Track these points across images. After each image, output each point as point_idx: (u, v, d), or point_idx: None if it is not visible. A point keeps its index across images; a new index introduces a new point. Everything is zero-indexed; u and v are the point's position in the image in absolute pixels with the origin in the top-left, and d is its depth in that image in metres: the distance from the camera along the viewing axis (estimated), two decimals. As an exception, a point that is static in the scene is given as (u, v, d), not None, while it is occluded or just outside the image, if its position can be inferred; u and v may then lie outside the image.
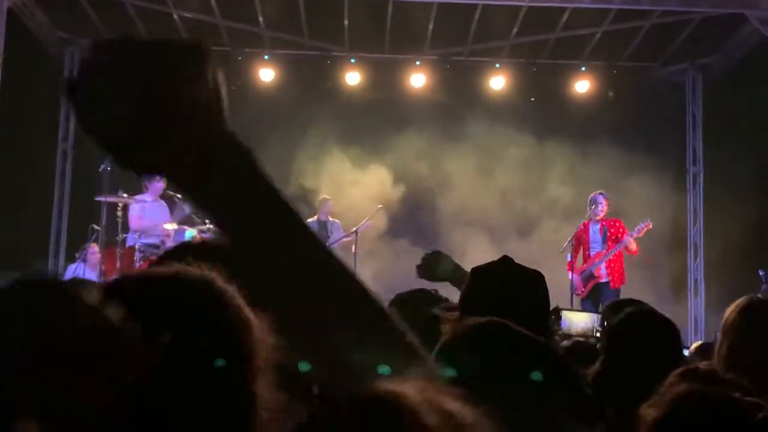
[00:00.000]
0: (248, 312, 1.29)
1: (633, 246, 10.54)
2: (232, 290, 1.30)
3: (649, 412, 1.81)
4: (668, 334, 3.06)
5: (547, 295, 2.73)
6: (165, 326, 1.19)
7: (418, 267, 3.63)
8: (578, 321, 3.90)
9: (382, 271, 12.34)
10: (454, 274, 3.48)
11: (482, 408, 1.00)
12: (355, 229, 12.54)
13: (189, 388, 1.20)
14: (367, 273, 12.81)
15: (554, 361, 1.67)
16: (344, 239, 12.44)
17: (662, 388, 1.88)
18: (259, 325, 1.29)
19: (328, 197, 12.82)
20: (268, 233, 1.16)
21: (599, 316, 3.86)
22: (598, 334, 3.83)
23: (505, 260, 2.77)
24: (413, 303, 3.24)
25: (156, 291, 1.26)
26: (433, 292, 3.47)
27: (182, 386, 1.19)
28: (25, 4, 12.30)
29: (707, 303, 13.68)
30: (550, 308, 2.87)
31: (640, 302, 3.97)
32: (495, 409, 1.54)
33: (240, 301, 1.30)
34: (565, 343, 3.62)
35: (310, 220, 12.46)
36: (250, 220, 1.15)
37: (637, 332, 3.00)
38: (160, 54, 1.11)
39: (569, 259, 10.81)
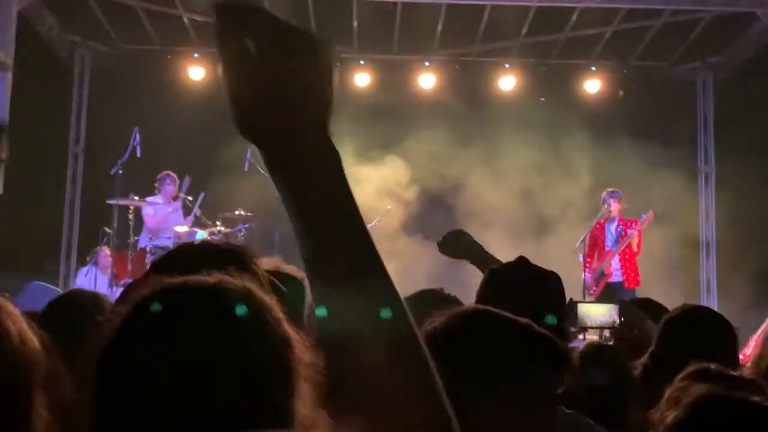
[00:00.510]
0: (288, 327, 1.27)
1: (635, 241, 10.49)
2: (272, 302, 1.28)
3: (667, 413, 1.80)
4: (725, 332, 3.03)
5: (563, 296, 2.73)
6: (204, 339, 1.18)
7: (440, 243, 3.62)
8: (595, 314, 3.87)
9: (396, 271, 12.33)
10: (475, 252, 3.47)
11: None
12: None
13: (227, 402, 1.18)
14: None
15: (541, 343, 1.67)
16: None
17: (675, 388, 1.87)
18: (299, 341, 1.27)
19: None
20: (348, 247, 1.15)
21: (616, 308, 3.83)
22: (616, 326, 3.81)
23: (522, 261, 2.76)
24: (421, 303, 3.23)
25: (197, 302, 1.23)
26: (440, 290, 3.47)
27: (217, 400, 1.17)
28: (35, 8, 12.34)
29: (720, 302, 13.61)
30: (566, 307, 2.86)
31: (658, 303, 3.96)
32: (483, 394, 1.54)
33: (280, 314, 1.28)
34: (580, 346, 3.60)
35: None
36: (337, 228, 1.16)
37: (694, 328, 2.97)
38: (303, 44, 1.18)
39: (581, 259, 10.77)
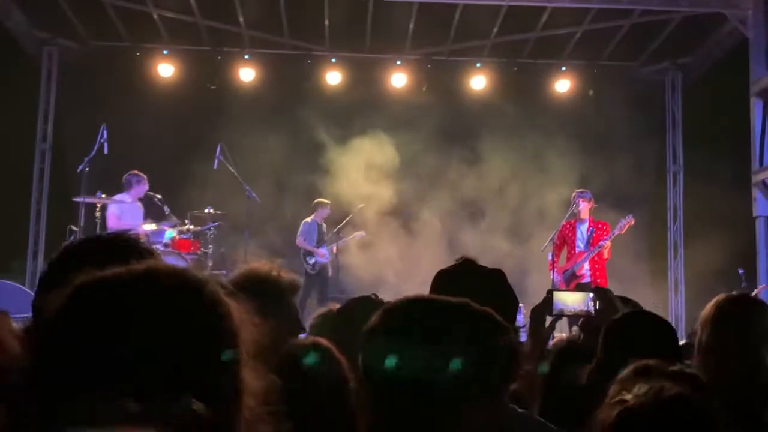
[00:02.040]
0: (223, 298, 1.32)
1: (605, 253, 10.54)
2: (207, 277, 1.33)
3: (607, 414, 1.81)
4: (665, 334, 3.06)
5: (510, 292, 2.76)
6: (137, 320, 1.22)
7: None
8: (572, 302, 3.90)
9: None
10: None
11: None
12: (336, 229, 12.56)
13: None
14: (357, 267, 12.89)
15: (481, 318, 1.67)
16: (342, 244, 12.65)
17: (617, 387, 1.88)
18: (239, 309, 1.33)
19: (326, 201, 12.79)
20: None
21: (591, 297, 3.87)
22: (591, 314, 3.85)
23: (466, 261, 2.81)
24: (357, 310, 3.28)
25: (126, 284, 1.27)
26: (373, 296, 3.53)
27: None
28: (3, 4, 12.23)
29: (687, 301, 13.74)
30: (518, 304, 2.88)
31: (630, 300, 4.01)
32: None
33: (216, 287, 1.32)
34: (557, 342, 3.63)
35: (308, 220, 12.49)
36: None
37: (634, 332, 3.00)
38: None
39: (550, 258, 10.81)
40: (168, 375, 1.19)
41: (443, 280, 2.73)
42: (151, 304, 1.24)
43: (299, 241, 12.58)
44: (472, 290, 2.59)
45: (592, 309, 3.86)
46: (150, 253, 1.98)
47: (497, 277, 2.77)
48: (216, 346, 1.26)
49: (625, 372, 1.92)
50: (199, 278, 1.31)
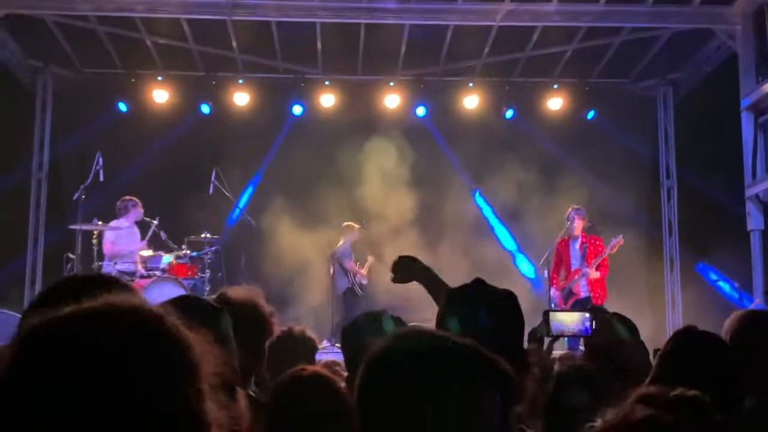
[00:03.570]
0: (185, 330, 1.30)
1: (594, 274, 10.57)
2: (162, 311, 1.31)
3: None
4: (720, 354, 3.03)
5: (520, 315, 2.76)
6: (94, 358, 1.19)
7: (392, 271, 3.68)
8: (570, 322, 3.90)
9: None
10: (425, 276, 3.52)
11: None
12: (332, 251, 12.59)
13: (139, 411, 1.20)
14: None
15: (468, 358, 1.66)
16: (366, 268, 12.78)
17: (620, 413, 1.90)
18: (198, 341, 1.31)
19: (354, 225, 12.86)
20: None
21: (589, 316, 3.87)
22: (588, 333, 3.85)
23: (478, 281, 2.80)
24: (366, 326, 3.32)
25: (82, 322, 1.25)
26: (381, 314, 3.56)
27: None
28: (-4, 34, 12.27)
29: (685, 315, 13.75)
30: (524, 324, 2.88)
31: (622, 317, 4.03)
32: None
33: (174, 321, 1.30)
34: (557, 367, 3.64)
35: (345, 244, 12.54)
36: None
37: (690, 353, 2.99)
38: None
39: (546, 275, 10.86)
40: (128, 417, 1.18)
41: (454, 300, 2.73)
42: (105, 342, 1.21)
43: (348, 264, 12.70)
44: (482, 311, 2.62)
45: (589, 329, 3.87)
46: (128, 288, 1.97)
47: (508, 298, 2.77)
48: (177, 381, 1.24)
49: (628, 400, 1.93)
50: (157, 313, 1.29)
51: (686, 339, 3.10)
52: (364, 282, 12.75)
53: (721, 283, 13.33)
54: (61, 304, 1.30)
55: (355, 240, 12.89)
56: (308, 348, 4.02)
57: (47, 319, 1.26)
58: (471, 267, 12.07)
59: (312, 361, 3.91)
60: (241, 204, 12.84)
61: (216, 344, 1.36)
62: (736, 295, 12.91)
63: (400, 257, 3.64)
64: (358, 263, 12.87)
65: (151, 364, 1.23)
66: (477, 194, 14.37)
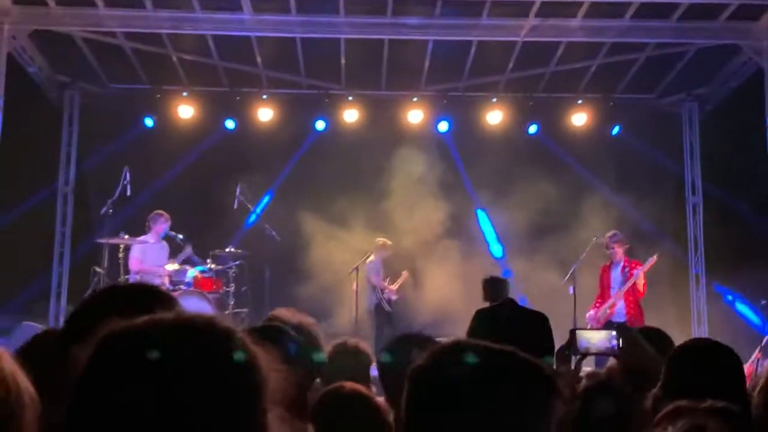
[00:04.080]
0: (251, 346, 1.32)
1: (641, 282, 10.52)
2: (234, 327, 1.34)
3: None
4: (733, 365, 3.03)
5: (550, 336, 2.75)
6: (168, 370, 1.22)
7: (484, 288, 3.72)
8: (596, 340, 3.88)
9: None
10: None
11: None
12: (356, 266, 12.57)
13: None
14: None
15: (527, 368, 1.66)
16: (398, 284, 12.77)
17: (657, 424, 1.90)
18: (264, 356, 1.33)
19: (387, 242, 12.88)
20: None
21: (615, 334, 3.86)
22: (616, 352, 3.83)
23: (509, 302, 2.80)
24: (406, 346, 3.33)
25: (158, 334, 1.28)
26: (419, 333, 3.57)
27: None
28: (25, 49, 12.42)
29: (711, 331, 13.62)
30: (553, 345, 2.88)
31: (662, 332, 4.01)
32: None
33: (243, 336, 1.33)
34: (584, 382, 3.63)
35: (374, 260, 12.57)
36: None
37: (703, 360, 2.98)
38: None
39: (571, 291, 10.83)
40: (198, 426, 1.21)
41: (483, 319, 2.74)
42: (180, 355, 1.24)
43: (375, 279, 12.74)
44: (513, 331, 2.62)
45: (616, 346, 3.85)
46: (171, 300, 2.00)
47: (538, 319, 2.77)
48: (246, 396, 1.27)
49: (664, 411, 1.93)
50: (227, 327, 1.32)
51: (695, 347, 3.11)
52: (393, 298, 12.71)
53: (739, 306, 13.29)
54: (107, 313, 1.34)
55: (387, 256, 12.87)
56: (363, 361, 3.99)
57: (123, 328, 1.28)
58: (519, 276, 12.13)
59: (367, 374, 3.88)
60: (258, 212, 12.83)
61: (282, 362, 1.38)
62: (756, 320, 12.87)
63: (489, 278, 3.67)
64: (388, 279, 12.85)
65: (220, 378, 1.25)
66: (480, 212, 14.38)
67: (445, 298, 12.58)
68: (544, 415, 1.61)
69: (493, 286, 3.76)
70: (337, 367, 3.66)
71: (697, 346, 3.14)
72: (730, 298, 13.25)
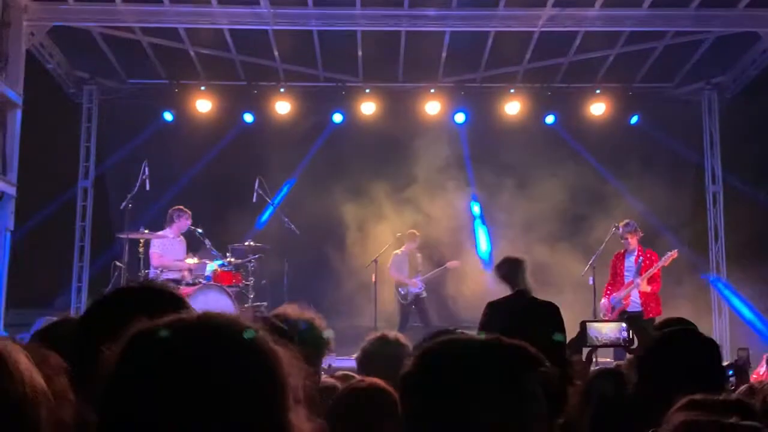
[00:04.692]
0: (273, 345, 1.35)
1: (644, 287, 10.47)
2: (256, 325, 1.36)
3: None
4: (709, 353, 3.02)
5: (562, 326, 2.75)
6: (194, 369, 1.25)
7: (497, 267, 3.72)
8: (607, 331, 3.88)
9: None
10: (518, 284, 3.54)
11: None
12: (375, 258, 12.57)
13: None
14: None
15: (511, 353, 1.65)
16: (434, 275, 12.69)
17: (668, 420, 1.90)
18: (287, 355, 1.36)
19: (416, 232, 12.86)
20: None
21: (626, 326, 3.85)
22: (627, 343, 3.83)
23: (520, 293, 2.80)
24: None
25: (183, 334, 1.31)
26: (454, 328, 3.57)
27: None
28: (44, 45, 12.50)
29: (731, 321, 13.56)
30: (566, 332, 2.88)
31: (686, 321, 3.98)
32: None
33: (266, 335, 1.36)
34: (594, 369, 3.64)
35: (399, 252, 12.55)
36: None
37: (676, 351, 2.98)
38: None
39: (591, 282, 10.79)
40: (225, 422, 1.24)
41: (495, 310, 2.74)
42: (207, 354, 1.27)
43: (391, 272, 12.70)
44: (525, 323, 2.62)
45: (626, 338, 3.85)
46: (181, 301, 2.02)
47: (550, 309, 2.78)
48: (270, 394, 1.30)
49: (675, 407, 1.93)
50: (250, 326, 1.35)
51: (673, 337, 3.10)
52: (414, 290, 12.59)
53: (732, 299, 13.29)
54: (123, 315, 1.38)
55: (414, 248, 12.81)
56: (402, 353, 3.98)
57: (150, 326, 1.32)
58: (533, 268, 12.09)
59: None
60: (276, 203, 12.85)
61: (302, 360, 1.41)
62: (748, 314, 12.88)
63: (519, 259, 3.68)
64: (419, 270, 12.73)
65: (244, 377, 1.28)
66: (475, 201, 14.35)
67: (481, 287, 12.50)
68: (538, 409, 1.60)
69: (512, 268, 3.75)
70: (376, 358, 3.65)
71: (669, 337, 3.13)
72: (724, 291, 13.27)
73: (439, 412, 1.57)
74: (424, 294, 12.60)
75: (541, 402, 1.60)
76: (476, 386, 1.58)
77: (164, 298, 2.01)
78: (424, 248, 13.01)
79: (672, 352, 2.95)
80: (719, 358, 3.08)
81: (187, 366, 1.25)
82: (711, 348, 3.04)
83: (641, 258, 10.60)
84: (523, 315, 2.67)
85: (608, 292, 10.70)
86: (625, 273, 10.65)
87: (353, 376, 3.74)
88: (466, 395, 1.57)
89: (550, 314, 2.78)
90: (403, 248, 12.73)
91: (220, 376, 1.26)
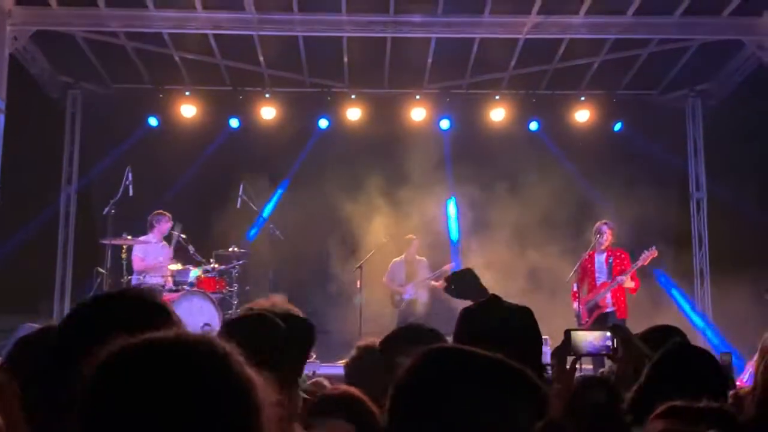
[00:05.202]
0: (248, 370, 1.34)
1: (629, 283, 10.48)
2: (231, 349, 1.35)
3: None
4: (714, 369, 3.01)
5: (536, 329, 2.76)
6: (171, 393, 1.24)
7: (446, 283, 3.70)
8: (591, 339, 3.86)
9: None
10: (477, 294, 3.51)
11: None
12: (359, 264, 12.55)
13: None
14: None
15: (516, 378, 1.65)
16: (429, 279, 12.57)
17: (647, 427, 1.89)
18: (260, 381, 1.35)
19: (414, 237, 12.83)
20: None
21: (610, 335, 3.84)
22: (611, 352, 3.82)
23: (493, 298, 2.81)
24: (404, 340, 3.30)
25: (159, 356, 1.30)
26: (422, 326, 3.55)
27: None
28: (27, 49, 12.43)
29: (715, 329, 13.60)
30: (541, 341, 2.87)
31: (675, 329, 3.98)
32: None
33: (240, 358, 1.34)
34: (578, 377, 3.63)
35: (397, 260, 12.53)
36: None
37: (681, 363, 2.97)
38: None
39: (575, 288, 10.78)
40: None
41: (469, 318, 2.73)
42: (182, 377, 1.27)
43: (385, 280, 12.71)
44: (497, 328, 2.61)
45: (610, 347, 3.84)
46: (168, 313, 2.00)
47: (523, 314, 2.77)
48: (244, 419, 1.29)
49: (654, 413, 1.92)
50: (226, 350, 1.34)
51: (676, 349, 3.10)
52: (406, 296, 12.57)
53: (674, 291, 13.44)
54: (103, 324, 1.40)
55: (413, 252, 12.77)
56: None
57: (122, 348, 1.31)
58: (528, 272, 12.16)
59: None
60: (265, 215, 12.84)
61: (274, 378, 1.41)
62: (687, 307, 13.03)
63: (457, 271, 3.65)
64: (417, 275, 12.69)
65: (219, 401, 1.27)
66: (452, 200, 14.33)
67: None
68: (526, 422, 1.60)
69: (461, 280, 3.74)
70: (365, 368, 3.62)
71: (675, 349, 3.13)
72: (663, 281, 13.44)
73: (429, 422, 1.57)
74: (423, 300, 12.54)
75: (524, 421, 1.61)
76: (460, 400, 1.58)
77: (147, 307, 1.98)
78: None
79: (678, 367, 2.94)
80: (725, 376, 3.07)
81: (161, 389, 1.24)
82: (715, 364, 3.04)
83: (611, 258, 10.62)
84: (500, 323, 2.65)
85: (578, 295, 10.70)
86: (597, 274, 10.67)
87: (325, 386, 3.72)
88: (448, 410, 1.56)
89: (525, 319, 2.76)
90: (403, 255, 12.74)
91: (195, 401, 1.25)
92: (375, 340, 4.08)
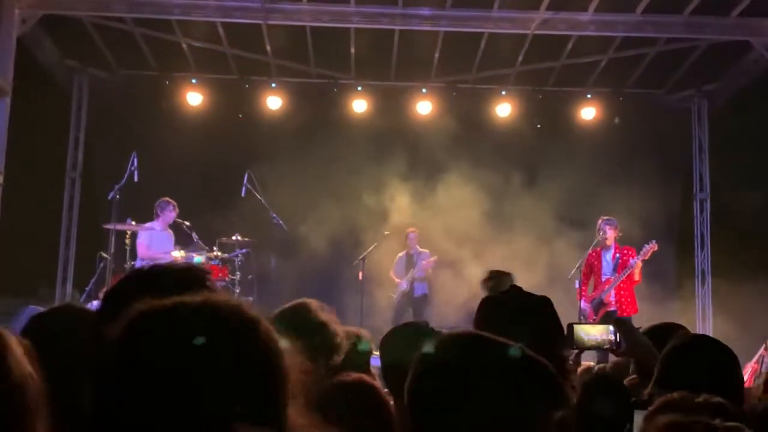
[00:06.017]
0: (276, 336, 1.33)
1: (636, 272, 10.48)
2: (259, 316, 1.34)
3: None
4: (728, 361, 3.01)
5: (556, 319, 2.76)
6: (195, 353, 1.23)
7: (482, 282, 3.74)
8: (594, 333, 3.88)
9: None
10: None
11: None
12: (362, 256, 12.56)
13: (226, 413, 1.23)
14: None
15: (538, 372, 1.66)
16: (426, 265, 12.66)
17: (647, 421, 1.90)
18: (288, 349, 1.35)
19: (413, 229, 12.87)
20: None
21: (613, 329, 3.86)
22: (613, 346, 3.83)
23: (514, 289, 2.81)
24: (403, 337, 3.32)
25: (186, 316, 1.29)
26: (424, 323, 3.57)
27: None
28: (34, 34, 12.41)
29: (715, 329, 13.61)
30: (562, 330, 2.87)
31: (679, 325, 3.99)
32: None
33: (268, 326, 1.34)
34: (586, 377, 3.63)
35: (401, 253, 12.59)
36: None
37: (697, 357, 2.97)
38: None
39: (577, 286, 10.79)
40: (223, 410, 1.22)
41: (490, 307, 2.74)
42: (208, 338, 1.25)
43: (392, 274, 12.92)
44: (518, 318, 2.62)
45: (614, 340, 3.85)
46: (208, 281, 2.00)
47: (543, 304, 2.77)
48: (270, 383, 1.28)
49: (652, 407, 1.93)
50: (254, 315, 1.33)
51: (690, 343, 3.10)
52: (401, 288, 12.65)
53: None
54: (144, 294, 1.35)
55: (413, 245, 12.85)
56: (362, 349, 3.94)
57: (149, 309, 1.30)
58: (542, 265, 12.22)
59: (367, 362, 3.86)
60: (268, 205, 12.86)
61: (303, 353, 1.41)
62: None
63: (492, 272, 3.68)
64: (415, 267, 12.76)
65: (244, 365, 1.27)
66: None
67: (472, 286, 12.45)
68: (544, 412, 1.61)
69: (498, 281, 3.77)
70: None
71: (692, 342, 3.13)
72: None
73: (440, 416, 1.58)
74: (421, 292, 12.62)
75: (540, 413, 1.61)
76: (478, 391, 1.59)
77: (193, 279, 1.97)
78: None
79: (695, 361, 2.94)
80: (739, 369, 3.07)
81: (186, 351, 1.23)
82: (731, 357, 3.03)
83: (618, 255, 10.62)
84: (521, 311, 2.66)
85: (584, 291, 10.70)
86: (603, 271, 10.67)
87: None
88: (465, 401, 1.58)
89: (544, 309, 2.77)
90: (405, 250, 12.84)
91: (220, 363, 1.24)
92: (351, 328, 4.11)
